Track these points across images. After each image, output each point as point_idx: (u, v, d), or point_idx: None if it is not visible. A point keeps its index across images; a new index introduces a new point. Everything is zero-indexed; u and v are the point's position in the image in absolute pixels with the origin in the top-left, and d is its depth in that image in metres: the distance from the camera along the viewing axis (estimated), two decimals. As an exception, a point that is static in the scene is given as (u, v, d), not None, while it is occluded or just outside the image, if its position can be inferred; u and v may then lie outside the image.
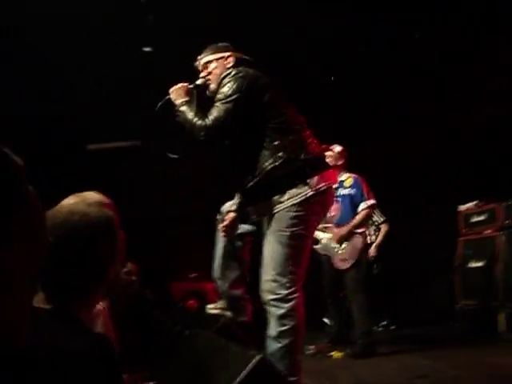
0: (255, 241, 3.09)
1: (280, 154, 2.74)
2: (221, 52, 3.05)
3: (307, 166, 2.76)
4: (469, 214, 6.44)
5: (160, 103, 2.95)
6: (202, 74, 3.05)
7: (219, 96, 2.79)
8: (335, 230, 5.14)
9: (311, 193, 2.74)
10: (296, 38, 6.03)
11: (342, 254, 5.05)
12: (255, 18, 5.69)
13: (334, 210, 5.20)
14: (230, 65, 2.98)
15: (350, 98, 6.92)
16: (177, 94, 2.91)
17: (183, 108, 2.84)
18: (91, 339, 0.96)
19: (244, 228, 3.08)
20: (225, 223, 3.09)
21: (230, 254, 3.11)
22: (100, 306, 2.11)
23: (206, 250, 3.49)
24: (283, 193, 2.76)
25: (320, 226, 5.22)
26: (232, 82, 2.78)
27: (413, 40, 6.41)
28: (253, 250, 3.19)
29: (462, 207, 6.52)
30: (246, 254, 3.18)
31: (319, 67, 6.67)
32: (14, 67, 5.33)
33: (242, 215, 3.04)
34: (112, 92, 6.07)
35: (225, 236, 3.13)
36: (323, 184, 2.78)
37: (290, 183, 2.75)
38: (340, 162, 5.25)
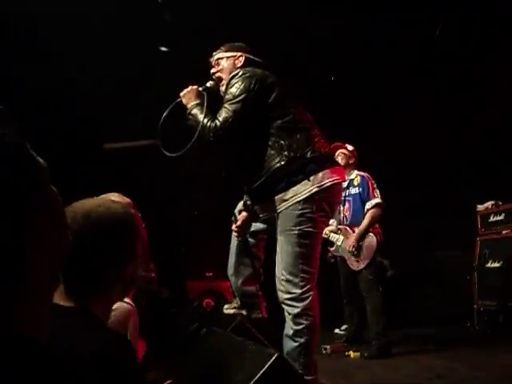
0: (269, 238, 3.10)
1: (286, 152, 2.76)
2: (234, 51, 3.09)
3: (312, 163, 2.77)
4: (487, 213, 6.39)
5: (171, 106, 3.00)
6: (212, 70, 3.09)
7: (227, 97, 2.82)
8: (347, 235, 5.14)
9: (315, 189, 2.74)
10: (296, 38, 6.02)
11: (357, 256, 5.03)
12: (255, 17, 5.69)
13: (346, 210, 5.23)
14: (240, 64, 3.02)
15: (350, 98, 6.90)
16: (188, 97, 2.95)
17: (194, 111, 2.88)
18: (110, 340, 0.97)
19: (257, 226, 3.10)
20: (237, 224, 3.13)
21: (243, 251, 3.12)
22: (131, 305, 2.12)
23: (222, 248, 3.50)
24: (287, 190, 2.77)
25: (334, 227, 5.24)
26: (240, 83, 2.81)
27: (413, 40, 6.39)
28: (267, 247, 3.20)
29: (480, 207, 6.47)
30: (260, 251, 3.19)
31: (319, 67, 6.65)
32: (28, 67, 5.37)
33: (253, 214, 3.05)
34: (129, 91, 6.10)
35: (237, 236, 3.16)
36: (328, 180, 2.78)
37: (294, 180, 2.76)
38: (351, 161, 5.25)
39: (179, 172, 6.08)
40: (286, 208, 2.78)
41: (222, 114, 2.78)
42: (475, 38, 6.21)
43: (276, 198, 2.83)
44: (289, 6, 5.53)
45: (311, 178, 2.75)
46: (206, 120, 2.79)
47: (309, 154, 2.77)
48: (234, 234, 3.17)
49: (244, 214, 3.12)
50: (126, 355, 0.98)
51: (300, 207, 2.74)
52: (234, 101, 2.79)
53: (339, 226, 5.23)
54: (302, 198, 2.74)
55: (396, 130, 7.00)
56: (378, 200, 5.04)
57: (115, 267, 1.32)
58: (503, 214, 6.12)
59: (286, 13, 5.65)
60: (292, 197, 2.76)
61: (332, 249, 5.24)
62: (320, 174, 2.77)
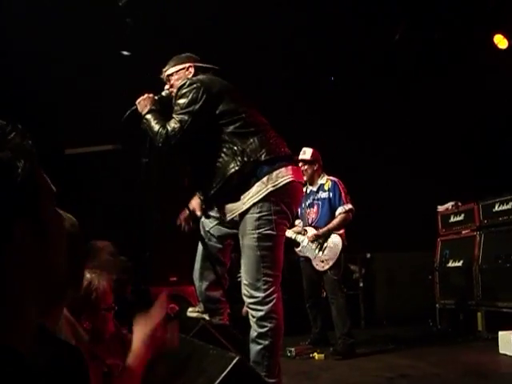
0: (236, 243, 3.11)
1: (239, 157, 2.79)
2: (182, 63, 3.13)
3: (266, 165, 2.80)
4: (447, 214, 6.52)
5: (128, 112, 3.05)
6: (166, 87, 3.15)
7: (176, 108, 2.88)
8: (313, 234, 5.15)
9: (271, 189, 2.76)
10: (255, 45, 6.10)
11: (323, 255, 5.07)
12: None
13: (313, 213, 5.25)
14: (191, 75, 3.06)
15: (339, 99, 6.99)
16: (143, 104, 2.99)
17: (147, 116, 2.93)
18: (61, 352, 0.95)
19: (224, 231, 3.10)
20: (179, 218, 3.28)
21: (208, 256, 3.12)
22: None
23: (186, 253, 3.49)
24: (244, 194, 2.80)
25: (299, 228, 5.26)
26: (187, 93, 2.86)
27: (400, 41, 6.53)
28: (234, 252, 3.22)
29: (441, 208, 6.61)
30: (226, 256, 3.19)
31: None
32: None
33: (218, 219, 3.07)
34: (93, 94, 6.04)
35: (184, 228, 3.24)
36: (282, 179, 2.80)
37: (249, 184, 2.79)
38: (316, 166, 5.28)
39: (143, 176, 6.03)
40: (245, 212, 2.80)
41: (171, 124, 2.84)
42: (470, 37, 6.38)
43: (234, 203, 2.85)
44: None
45: (265, 179, 2.78)
46: (157, 127, 2.85)
47: (263, 156, 2.80)
48: (181, 223, 3.28)
49: (195, 201, 3.20)
50: (77, 367, 0.97)
51: (258, 210, 2.76)
52: (181, 112, 2.84)
53: (305, 228, 5.25)
54: (258, 199, 2.76)
55: (355, 131, 7.08)
56: (350, 206, 5.10)
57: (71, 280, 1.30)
58: (463, 215, 6.26)
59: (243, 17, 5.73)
60: (249, 199, 2.78)
61: (297, 249, 5.26)
62: (274, 174, 2.80)
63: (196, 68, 3.10)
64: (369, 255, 6.82)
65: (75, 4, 5.36)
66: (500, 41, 6.70)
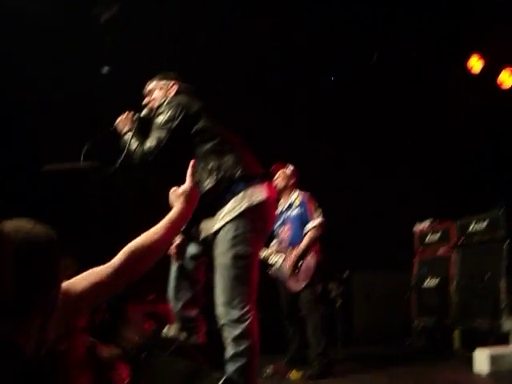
0: (210, 261, 3.10)
1: (215, 174, 2.83)
2: (165, 80, 3.20)
3: (241, 182, 2.83)
4: (424, 232, 6.58)
5: (107, 131, 3.10)
6: (145, 100, 3.19)
7: (154, 126, 2.92)
8: (285, 256, 5.13)
9: (246, 206, 2.79)
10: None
11: (296, 276, 5.04)
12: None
13: (286, 231, 5.24)
14: (172, 93, 3.12)
15: (319, 115, 7.06)
16: (122, 123, 3.04)
17: (126, 136, 2.98)
18: (28, 369, 0.94)
19: (198, 249, 3.09)
20: (172, 246, 3.14)
21: (183, 275, 3.11)
22: None
23: (163, 270, 3.47)
24: (219, 211, 2.82)
25: (274, 248, 5.27)
26: (165, 112, 2.91)
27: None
28: (208, 270, 3.20)
29: (417, 226, 6.66)
30: (200, 274, 3.18)
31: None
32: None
33: (190, 236, 3.06)
34: (72, 111, 6.02)
35: (176, 260, 3.17)
36: (257, 196, 2.83)
37: (224, 201, 2.82)
38: (292, 182, 5.30)
39: (120, 193, 6.01)
40: (220, 229, 2.81)
41: (148, 142, 2.88)
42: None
43: (209, 219, 2.86)
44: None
45: (240, 196, 2.80)
46: (134, 146, 2.90)
47: (238, 173, 2.84)
48: (172, 257, 3.18)
49: (178, 238, 3.13)
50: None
51: (233, 228, 2.78)
52: (159, 130, 2.89)
53: (279, 248, 5.25)
54: (233, 216, 2.78)
55: (334, 149, 7.14)
56: (318, 221, 5.07)
57: (35, 291, 1.29)
58: (439, 234, 6.32)
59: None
60: (224, 216, 2.80)
61: (272, 270, 5.25)
62: (249, 191, 2.82)
63: (178, 87, 3.16)
64: (347, 274, 6.82)
65: (53, 20, 5.37)
66: (475, 63, 6.85)
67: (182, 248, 3.15)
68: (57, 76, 5.75)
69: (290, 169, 5.35)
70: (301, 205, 5.17)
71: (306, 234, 5.07)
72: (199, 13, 5.67)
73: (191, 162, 2.25)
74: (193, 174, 2.17)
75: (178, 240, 3.15)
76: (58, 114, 5.92)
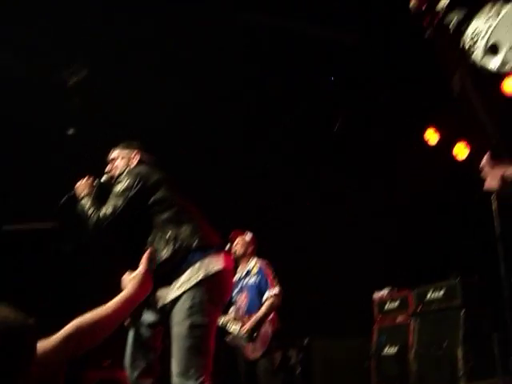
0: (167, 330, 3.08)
1: (172, 244, 2.87)
2: (128, 149, 3.29)
3: (198, 252, 2.87)
4: (383, 300, 6.62)
5: (66, 196, 3.14)
6: (107, 168, 3.27)
7: (112, 194, 2.98)
8: (242, 324, 5.09)
9: (202, 276, 2.82)
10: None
11: (253, 344, 5.00)
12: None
13: (243, 299, 5.22)
14: (134, 163, 3.20)
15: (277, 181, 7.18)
16: (81, 188, 3.09)
17: (83, 201, 3.01)
18: None
19: (154, 317, 3.07)
20: None
21: (139, 342, 3.08)
22: None
23: (120, 337, 3.42)
24: (176, 281, 2.84)
25: (231, 316, 5.23)
26: (124, 180, 2.98)
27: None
28: (165, 338, 3.18)
29: (376, 294, 6.71)
30: (157, 342, 3.15)
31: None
32: None
33: (149, 304, 3.05)
34: (33, 171, 6.00)
35: (127, 325, 3.15)
36: (214, 266, 2.87)
37: (181, 270, 2.84)
38: (250, 249, 5.35)
39: (78, 255, 5.95)
40: (177, 299, 2.82)
41: (104, 209, 2.92)
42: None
43: (165, 289, 2.87)
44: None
45: (197, 266, 2.83)
46: (90, 211, 2.93)
47: (195, 243, 2.88)
48: (125, 323, 3.15)
49: None
50: None
51: (190, 298, 2.80)
52: (116, 197, 2.94)
53: (236, 315, 5.22)
54: (190, 285, 2.81)
55: (292, 216, 7.23)
56: (277, 290, 5.08)
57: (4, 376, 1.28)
58: (398, 302, 6.37)
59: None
60: (180, 286, 2.82)
61: (229, 338, 5.20)
62: (206, 261, 2.86)
63: (140, 157, 3.24)
64: (306, 341, 6.79)
65: (24, 81, 5.44)
66: (431, 136, 7.12)
67: (136, 314, 3.14)
68: (19, 135, 5.77)
69: (248, 236, 5.39)
70: (258, 273, 5.18)
71: (264, 301, 5.06)
72: (164, 80, 5.81)
73: (148, 250, 2.27)
74: (148, 260, 2.17)
75: None
76: (18, 174, 5.90)
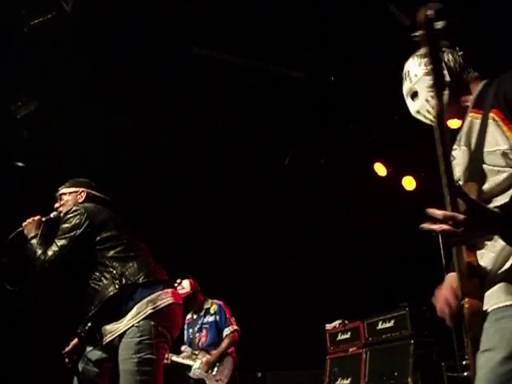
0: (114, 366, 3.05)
1: (118, 281, 2.87)
2: (76, 186, 3.30)
3: (145, 288, 2.88)
4: (335, 332, 6.67)
5: (13, 234, 3.11)
6: (56, 205, 3.27)
7: (59, 232, 2.99)
8: (204, 357, 5.28)
9: (150, 311, 2.82)
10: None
11: (216, 375, 5.18)
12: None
13: (202, 337, 5.43)
14: (81, 199, 3.22)
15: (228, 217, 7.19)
16: (29, 227, 3.07)
17: (32, 241, 3.00)
18: None
19: (101, 355, 3.04)
20: (66, 349, 3.15)
21: (86, 380, 3.03)
22: None
23: (67, 378, 3.35)
24: (123, 317, 2.83)
25: (187, 353, 5.29)
26: (71, 219, 2.98)
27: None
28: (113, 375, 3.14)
29: (329, 326, 6.76)
30: (105, 380, 3.11)
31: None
32: None
33: (95, 342, 3.02)
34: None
35: (67, 363, 3.15)
36: (161, 302, 2.87)
37: (128, 307, 2.84)
38: (198, 295, 5.53)
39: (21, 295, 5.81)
40: (124, 334, 2.81)
41: (51, 248, 2.92)
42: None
43: (112, 325, 2.87)
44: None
45: (145, 301, 2.84)
46: (39, 252, 2.92)
47: (141, 279, 2.89)
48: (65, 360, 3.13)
49: (75, 340, 3.11)
50: None
51: (138, 333, 2.78)
52: (62, 236, 2.95)
53: (195, 352, 5.38)
54: (137, 321, 2.80)
55: (242, 253, 7.26)
56: (235, 327, 5.36)
57: None
58: (349, 333, 6.43)
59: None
60: (128, 321, 2.82)
61: (190, 373, 5.26)
62: (153, 296, 2.87)
63: (87, 194, 3.26)
64: (260, 374, 6.77)
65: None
66: (380, 168, 7.32)
67: (75, 351, 3.13)
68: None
69: (185, 283, 5.43)
70: (217, 312, 5.42)
71: (224, 337, 5.31)
72: (116, 117, 5.82)
73: None
74: None
75: (72, 343, 3.16)
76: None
